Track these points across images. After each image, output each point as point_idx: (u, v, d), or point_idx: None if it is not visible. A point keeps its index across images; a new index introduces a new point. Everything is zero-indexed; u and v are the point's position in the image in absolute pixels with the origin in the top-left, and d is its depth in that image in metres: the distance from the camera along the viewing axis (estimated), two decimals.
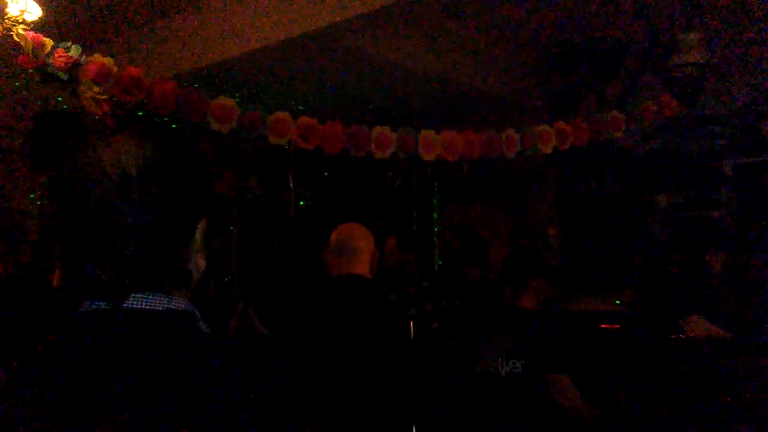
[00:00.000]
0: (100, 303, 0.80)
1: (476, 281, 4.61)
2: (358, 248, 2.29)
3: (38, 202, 4.29)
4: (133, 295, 0.81)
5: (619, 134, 4.18)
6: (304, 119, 3.72)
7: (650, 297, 4.59)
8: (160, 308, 0.81)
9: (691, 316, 3.23)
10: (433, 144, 3.80)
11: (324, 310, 2.24)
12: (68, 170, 0.82)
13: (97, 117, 3.26)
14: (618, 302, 5.29)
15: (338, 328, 2.18)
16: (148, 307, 0.81)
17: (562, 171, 5.93)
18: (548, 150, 3.95)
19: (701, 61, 3.95)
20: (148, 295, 0.81)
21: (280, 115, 3.69)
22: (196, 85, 3.54)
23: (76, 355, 0.78)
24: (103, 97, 3.17)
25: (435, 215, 5.96)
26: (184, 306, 0.84)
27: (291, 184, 3.88)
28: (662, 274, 4.63)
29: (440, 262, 5.85)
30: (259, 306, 3.23)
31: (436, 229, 5.96)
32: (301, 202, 4.74)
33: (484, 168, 5.63)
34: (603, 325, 5.22)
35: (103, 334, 0.79)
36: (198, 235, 0.89)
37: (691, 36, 4.14)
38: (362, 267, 2.30)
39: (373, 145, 3.75)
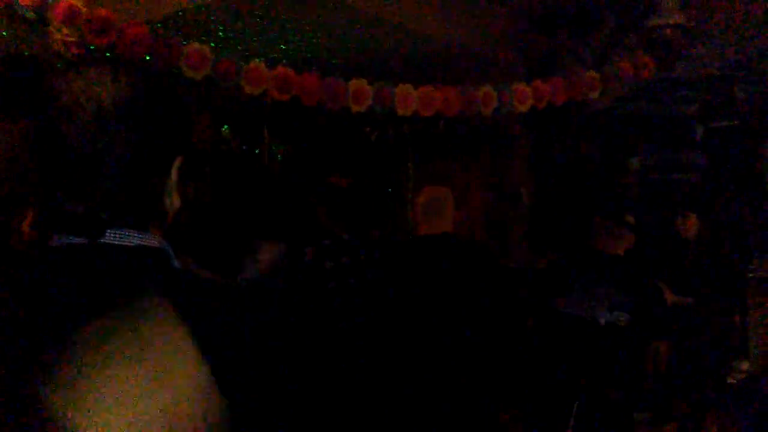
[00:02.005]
0: (75, 239, 0.79)
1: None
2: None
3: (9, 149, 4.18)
4: (108, 231, 0.79)
5: (595, 94, 4.19)
6: (281, 69, 3.66)
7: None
8: (133, 245, 0.80)
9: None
10: (410, 98, 3.77)
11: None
12: (42, 108, 0.79)
13: (65, 60, 3.17)
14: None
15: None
16: (123, 243, 0.80)
17: (538, 131, 5.95)
18: (525, 108, 3.95)
19: (680, 23, 3.95)
20: (123, 231, 0.80)
21: (256, 64, 3.63)
22: (169, 31, 3.44)
23: (49, 289, 0.77)
24: (72, 39, 3.07)
25: (410, 172, 5.96)
26: (157, 243, 0.84)
27: (266, 136, 3.84)
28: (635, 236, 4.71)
29: (412, 218, 5.87)
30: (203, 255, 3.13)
31: (410, 187, 5.97)
32: (278, 156, 4.71)
33: (461, 126, 5.62)
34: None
35: (78, 269, 0.78)
36: (174, 173, 0.88)
37: None
38: None
39: (350, 98, 3.71)
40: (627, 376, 2.77)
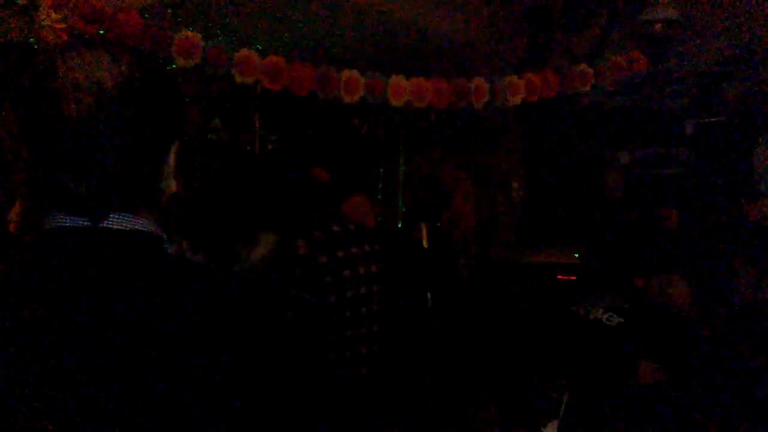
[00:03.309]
0: (79, 219, 0.78)
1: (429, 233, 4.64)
2: None
3: None
4: (111, 214, 0.79)
5: (586, 88, 4.20)
6: (272, 58, 3.65)
7: (607, 251, 4.70)
8: (128, 229, 0.80)
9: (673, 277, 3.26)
10: (402, 90, 3.77)
11: None
12: (37, 91, 0.78)
13: (55, 46, 3.13)
14: (576, 255, 5.42)
15: None
16: (119, 227, 0.79)
17: (528, 125, 5.96)
18: (516, 101, 3.95)
19: (672, 17, 3.97)
20: (120, 215, 0.80)
21: (247, 52, 3.61)
22: (160, 18, 3.42)
23: (42, 273, 0.76)
24: (62, 26, 3.04)
25: (400, 165, 5.95)
26: (152, 228, 0.83)
27: (256, 126, 3.82)
28: (620, 229, 4.74)
29: (404, 210, 5.87)
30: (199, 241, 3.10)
31: (400, 180, 5.97)
32: (268, 145, 4.69)
33: (451, 119, 5.62)
34: (560, 276, 5.36)
35: (83, 252, 0.77)
36: (172, 156, 0.88)
37: None
38: None
39: (341, 89, 3.70)
40: (615, 377, 2.80)
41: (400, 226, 5.87)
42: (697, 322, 3.03)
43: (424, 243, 4.12)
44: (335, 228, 3.08)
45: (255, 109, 3.85)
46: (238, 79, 3.62)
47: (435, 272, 4.58)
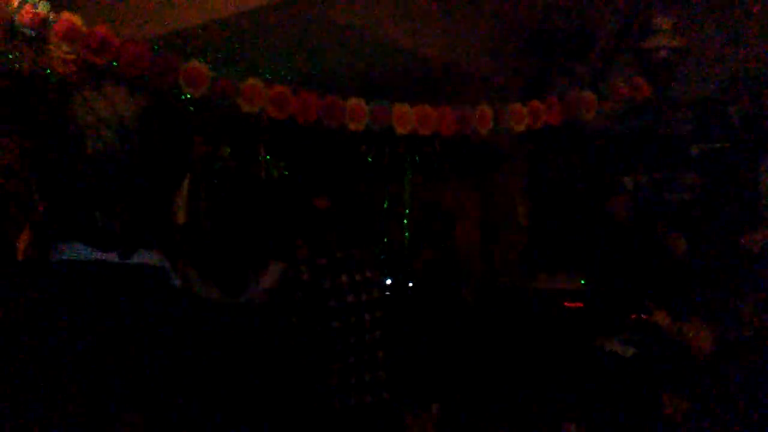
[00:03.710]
0: (105, 253, 0.79)
1: (431, 261, 4.64)
2: None
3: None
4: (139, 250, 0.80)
5: (590, 115, 4.21)
6: (278, 87, 3.67)
7: (613, 278, 4.69)
8: (134, 262, 0.81)
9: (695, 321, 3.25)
10: (407, 117, 3.78)
11: None
12: (56, 125, 0.79)
13: (64, 78, 3.17)
14: (582, 281, 5.40)
15: None
16: (144, 261, 0.80)
17: (533, 150, 5.98)
18: (521, 128, 3.96)
19: (675, 45, 4.00)
20: (144, 249, 0.81)
21: (253, 82, 3.63)
22: (168, 48, 3.45)
23: (50, 304, 0.76)
24: (72, 57, 3.07)
25: (406, 190, 5.97)
26: (157, 261, 0.84)
27: (263, 154, 3.84)
28: (626, 255, 4.72)
29: (408, 236, 5.88)
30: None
31: (407, 205, 5.98)
32: (273, 172, 4.71)
33: (456, 145, 5.65)
34: (567, 303, 5.34)
35: (111, 284, 0.78)
36: (184, 188, 0.89)
37: (666, 19, 4.19)
38: None
39: (347, 117, 3.72)
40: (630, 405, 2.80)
41: (405, 251, 5.88)
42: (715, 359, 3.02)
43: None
44: (338, 254, 3.10)
45: (262, 138, 3.88)
46: (245, 108, 3.64)
47: (439, 299, 4.57)
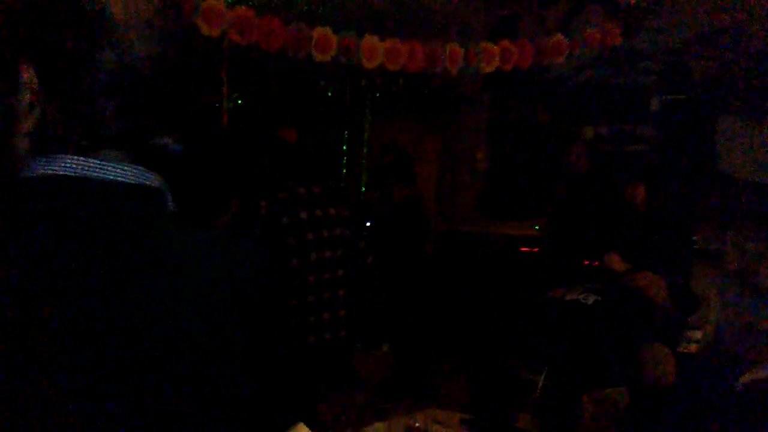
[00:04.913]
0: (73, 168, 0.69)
1: (402, 201, 4.58)
2: None
3: None
4: (108, 163, 0.70)
5: (560, 59, 4.15)
6: (241, 10, 3.47)
7: (568, 225, 4.73)
8: (132, 182, 0.70)
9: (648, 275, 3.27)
10: (376, 51, 3.65)
11: None
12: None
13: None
14: (537, 228, 5.44)
15: None
16: (122, 179, 0.70)
17: (495, 96, 5.91)
18: (491, 69, 3.88)
19: None
20: (127, 166, 0.71)
21: (214, 2, 3.42)
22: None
23: (30, 227, 0.65)
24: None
25: (366, 130, 5.84)
26: (157, 183, 0.74)
27: (224, 81, 3.64)
28: (583, 204, 4.75)
29: (368, 177, 5.79)
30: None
31: (365, 145, 5.86)
32: (229, 104, 4.51)
33: (418, 85, 5.52)
34: (523, 249, 5.38)
35: (67, 204, 0.67)
36: None
37: None
38: None
39: (313, 47, 3.55)
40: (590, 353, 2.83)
41: (363, 190, 5.79)
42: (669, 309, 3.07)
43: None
44: (299, 189, 2.98)
45: (222, 64, 3.68)
46: (204, 31, 3.43)
47: (403, 240, 4.52)
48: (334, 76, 5.30)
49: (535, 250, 5.08)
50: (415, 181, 4.54)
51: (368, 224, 4.80)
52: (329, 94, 5.61)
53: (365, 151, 5.76)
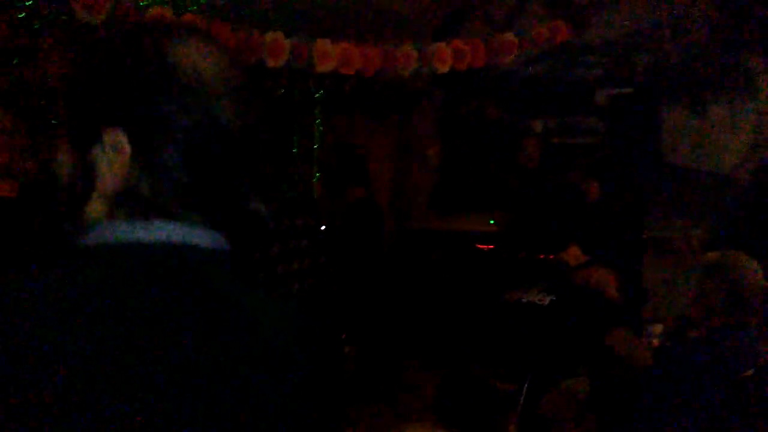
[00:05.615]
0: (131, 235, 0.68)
1: (356, 201, 4.53)
2: None
3: None
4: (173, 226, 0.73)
5: (511, 57, 4.18)
6: (189, 17, 3.36)
7: (523, 219, 4.77)
8: (207, 247, 0.73)
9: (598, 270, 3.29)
10: (329, 55, 3.59)
11: None
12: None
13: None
14: (492, 222, 5.48)
15: None
16: (194, 242, 0.73)
17: (445, 92, 5.91)
18: (445, 69, 3.87)
19: None
20: (193, 228, 0.73)
21: (161, 10, 3.31)
22: None
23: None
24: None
25: (316, 129, 5.76)
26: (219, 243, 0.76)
27: None
28: (537, 199, 4.81)
29: (318, 176, 5.71)
30: None
31: (316, 144, 5.78)
32: None
33: (370, 84, 5.47)
34: (478, 245, 5.41)
35: (135, 271, 0.67)
36: None
37: None
38: None
39: (265, 52, 3.47)
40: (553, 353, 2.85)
41: (315, 192, 5.71)
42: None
43: None
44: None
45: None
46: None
47: (358, 241, 4.48)
48: (280, 77, 5.21)
49: (491, 246, 5.12)
50: (369, 180, 4.49)
51: (322, 227, 4.74)
52: (276, 95, 5.50)
53: (316, 152, 5.68)
